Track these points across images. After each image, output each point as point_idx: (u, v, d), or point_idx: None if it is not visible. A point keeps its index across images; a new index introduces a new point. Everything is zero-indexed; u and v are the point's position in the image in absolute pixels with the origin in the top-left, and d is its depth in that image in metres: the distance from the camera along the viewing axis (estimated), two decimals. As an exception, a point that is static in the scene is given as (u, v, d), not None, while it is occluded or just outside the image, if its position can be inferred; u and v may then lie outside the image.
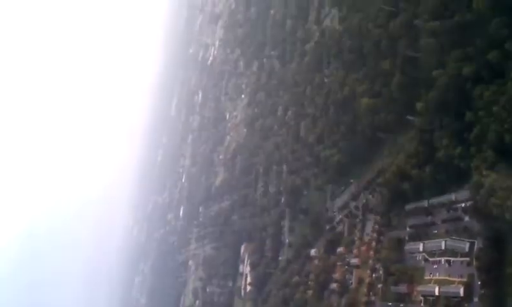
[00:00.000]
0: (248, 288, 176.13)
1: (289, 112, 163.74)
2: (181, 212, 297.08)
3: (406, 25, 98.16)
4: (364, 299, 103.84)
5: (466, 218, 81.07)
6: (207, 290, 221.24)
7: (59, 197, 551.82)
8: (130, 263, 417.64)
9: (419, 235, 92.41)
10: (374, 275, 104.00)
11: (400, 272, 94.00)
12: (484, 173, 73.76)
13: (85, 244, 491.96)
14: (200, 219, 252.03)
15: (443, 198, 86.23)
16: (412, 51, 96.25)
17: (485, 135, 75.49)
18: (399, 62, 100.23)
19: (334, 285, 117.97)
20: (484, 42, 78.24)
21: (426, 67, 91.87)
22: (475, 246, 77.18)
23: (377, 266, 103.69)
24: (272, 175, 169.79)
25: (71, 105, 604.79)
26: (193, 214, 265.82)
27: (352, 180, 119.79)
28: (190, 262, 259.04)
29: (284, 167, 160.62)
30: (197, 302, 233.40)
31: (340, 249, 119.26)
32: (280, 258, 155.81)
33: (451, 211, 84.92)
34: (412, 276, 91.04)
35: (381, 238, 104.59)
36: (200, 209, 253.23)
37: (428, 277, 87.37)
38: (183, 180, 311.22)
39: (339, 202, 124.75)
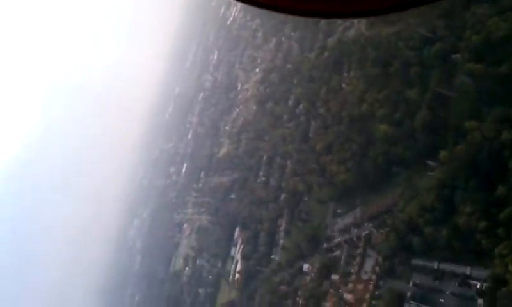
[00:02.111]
0: (237, 276, 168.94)
1: (300, 106, 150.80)
2: (183, 169, 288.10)
3: (442, 57, 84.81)
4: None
5: (480, 301, 70.75)
6: (197, 261, 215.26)
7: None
8: (130, 205, 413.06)
9: (423, 297, 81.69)
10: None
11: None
12: (510, 268, 62.80)
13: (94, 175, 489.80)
14: (200, 185, 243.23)
15: (456, 268, 75.40)
16: (445, 88, 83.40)
17: (517, 222, 64.17)
18: (428, 96, 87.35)
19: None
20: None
21: (459, 112, 79.31)
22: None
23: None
24: (275, 167, 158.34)
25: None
26: (194, 176, 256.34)
27: (358, 203, 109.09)
28: (185, 226, 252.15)
29: (288, 163, 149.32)
30: (186, 269, 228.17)
31: (334, 277, 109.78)
32: (273, 257, 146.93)
33: (463, 286, 73.95)
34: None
35: (381, 283, 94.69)
36: (201, 174, 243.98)
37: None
38: (189, 137, 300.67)
39: (340, 223, 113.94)
